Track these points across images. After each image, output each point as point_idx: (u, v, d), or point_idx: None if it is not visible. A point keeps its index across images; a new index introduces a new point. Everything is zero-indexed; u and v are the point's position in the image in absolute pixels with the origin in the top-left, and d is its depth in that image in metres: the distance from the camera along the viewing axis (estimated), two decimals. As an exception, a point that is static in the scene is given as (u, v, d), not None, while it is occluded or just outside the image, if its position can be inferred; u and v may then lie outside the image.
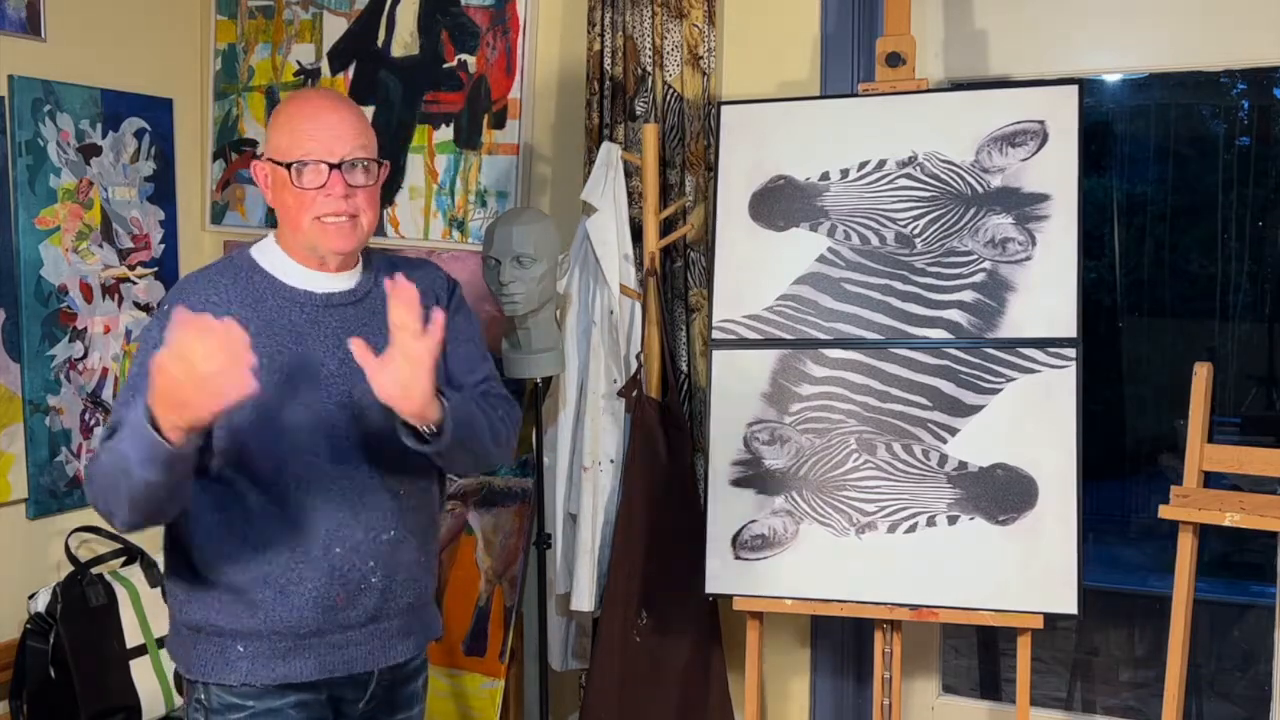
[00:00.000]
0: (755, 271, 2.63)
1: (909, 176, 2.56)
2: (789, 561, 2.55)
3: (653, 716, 2.73)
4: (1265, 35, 2.58)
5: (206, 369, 1.55)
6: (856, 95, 2.66)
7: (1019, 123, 2.51)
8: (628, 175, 2.83)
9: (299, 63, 3.37)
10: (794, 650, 2.96)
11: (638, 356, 2.82)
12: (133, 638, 2.85)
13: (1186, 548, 2.42)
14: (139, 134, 3.21)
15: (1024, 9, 2.75)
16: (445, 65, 3.19)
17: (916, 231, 2.55)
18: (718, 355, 2.65)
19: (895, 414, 2.53)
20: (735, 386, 2.62)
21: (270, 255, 1.95)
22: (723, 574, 2.60)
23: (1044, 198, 2.48)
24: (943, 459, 2.49)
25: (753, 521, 2.59)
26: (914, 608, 2.48)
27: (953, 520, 2.47)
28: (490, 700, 3.00)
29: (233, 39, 3.43)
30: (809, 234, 2.61)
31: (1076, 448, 2.42)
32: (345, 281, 1.96)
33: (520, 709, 3.13)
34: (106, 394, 3.09)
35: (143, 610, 2.88)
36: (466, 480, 3.10)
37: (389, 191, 3.22)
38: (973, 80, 2.80)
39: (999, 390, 2.48)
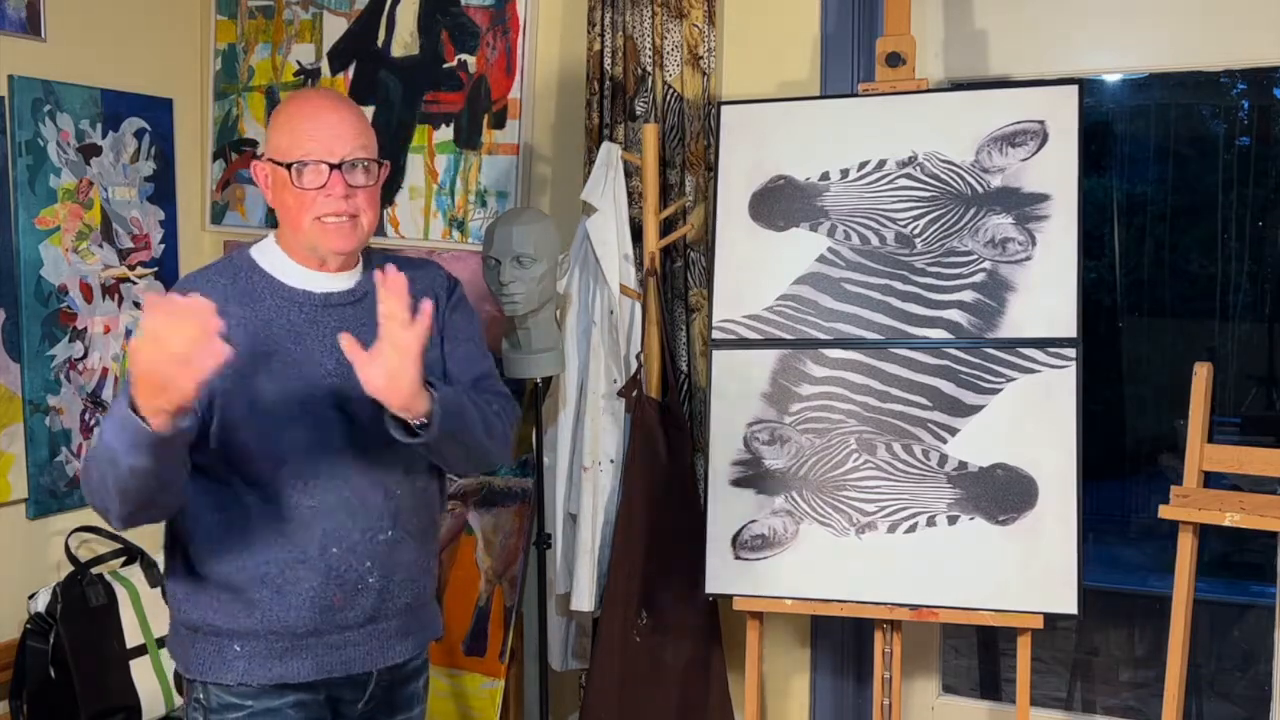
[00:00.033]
0: (755, 271, 2.63)
1: (909, 176, 2.56)
2: (789, 561, 2.55)
3: (653, 716, 2.73)
4: (1265, 35, 2.58)
5: (181, 349, 1.54)
6: (856, 95, 2.66)
7: (1019, 123, 2.51)
8: (628, 175, 2.83)
9: (299, 63, 3.37)
10: (794, 650, 2.96)
11: (638, 356, 2.82)
12: (133, 638, 2.85)
13: (1186, 548, 2.42)
14: (139, 134, 3.21)
15: (1024, 9, 2.75)
16: (445, 65, 3.19)
17: (916, 231, 2.55)
18: (718, 355, 2.65)
19: (895, 414, 2.53)
20: (735, 386, 2.62)
21: (270, 255, 1.95)
22: (723, 574, 2.60)
23: (1044, 198, 2.48)
24: (943, 459, 2.49)
25: (753, 521, 2.59)
26: (914, 608, 2.48)
27: (953, 520, 2.47)
28: (490, 700, 3.00)
29: (233, 39, 3.43)
30: (809, 234, 2.61)
31: (1076, 448, 2.42)
32: (344, 281, 1.96)
33: (520, 709, 3.13)
34: (106, 394, 3.09)
35: (143, 610, 2.88)
36: (466, 480, 3.10)
37: (389, 191, 3.22)
38: (973, 80, 2.80)
39: (999, 390, 2.48)
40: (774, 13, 2.89)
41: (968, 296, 2.51)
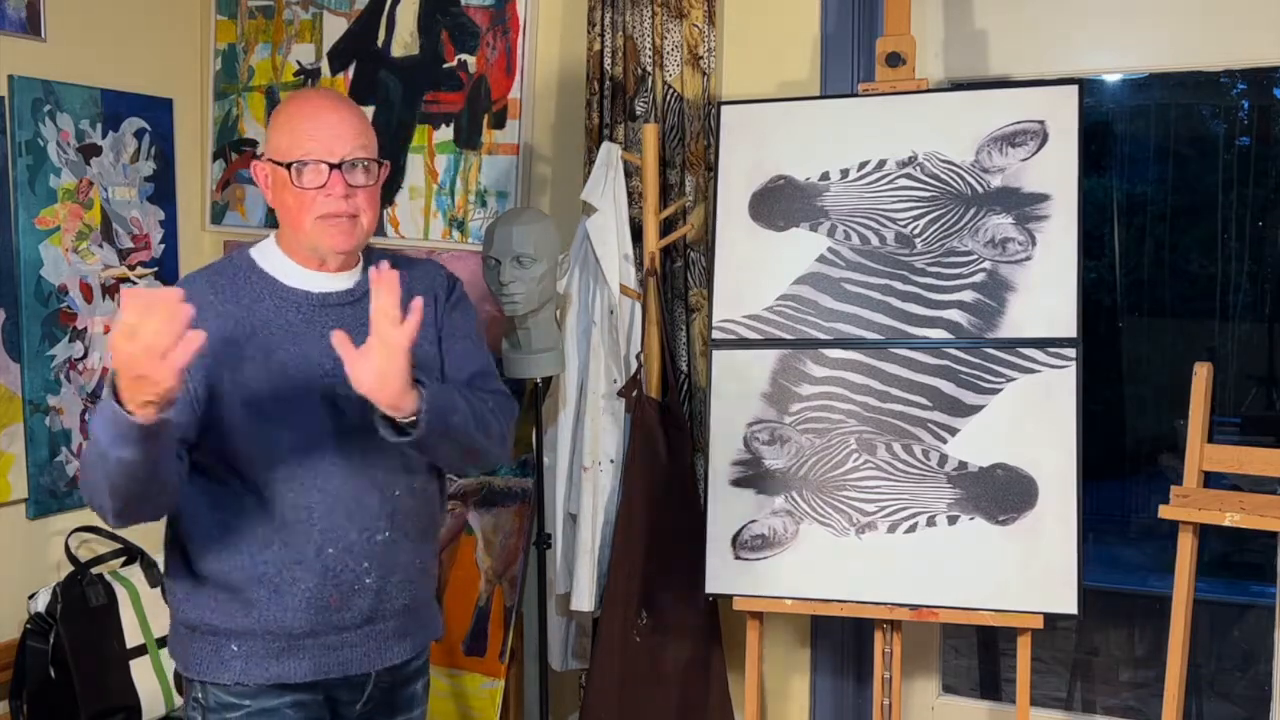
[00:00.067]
0: (755, 271, 2.63)
1: (909, 176, 2.56)
2: (789, 561, 2.55)
3: (653, 716, 2.73)
4: (1265, 35, 2.58)
5: (152, 340, 1.53)
6: (856, 95, 2.66)
7: (1019, 123, 2.51)
8: (628, 175, 2.83)
9: (299, 63, 3.37)
10: (794, 650, 2.96)
11: (638, 356, 2.82)
12: (133, 638, 2.85)
13: (1186, 548, 2.42)
14: (139, 134, 3.21)
15: (1024, 9, 2.75)
16: (445, 65, 3.19)
17: (916, 231, 2.55)
18: (718, 355, 2.65)
19: (895, 414, 2.53)
20: (735, 386, 2.62)
21: (269, 256, 1.95)
22: (723, 574, 2.60)
23: (1044, 198, 2.48)
24: (943, 459, 2.49)
25: (753, 521, 2.59)
26: (914, 608, 2.48)
27: (953, 520, 2.47)
28: (490, 700, 3.00)
29: (233, 39, 3.43)
30: (809, 234, 2.61)
31: (1076, 448, 2.42)
32: (344, 281, 1.96)
33: (520, 709, 3.13)
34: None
35: (143, 610, 2.88)
36: (466, 480, 3.10)
37: (389, 191, 3.22)
38: (973, 80, 2.80)
39: (999, 390, 2.48)
40: (774, 13, 2.89)
41: (968, 296, 2.51)
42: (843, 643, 2.90)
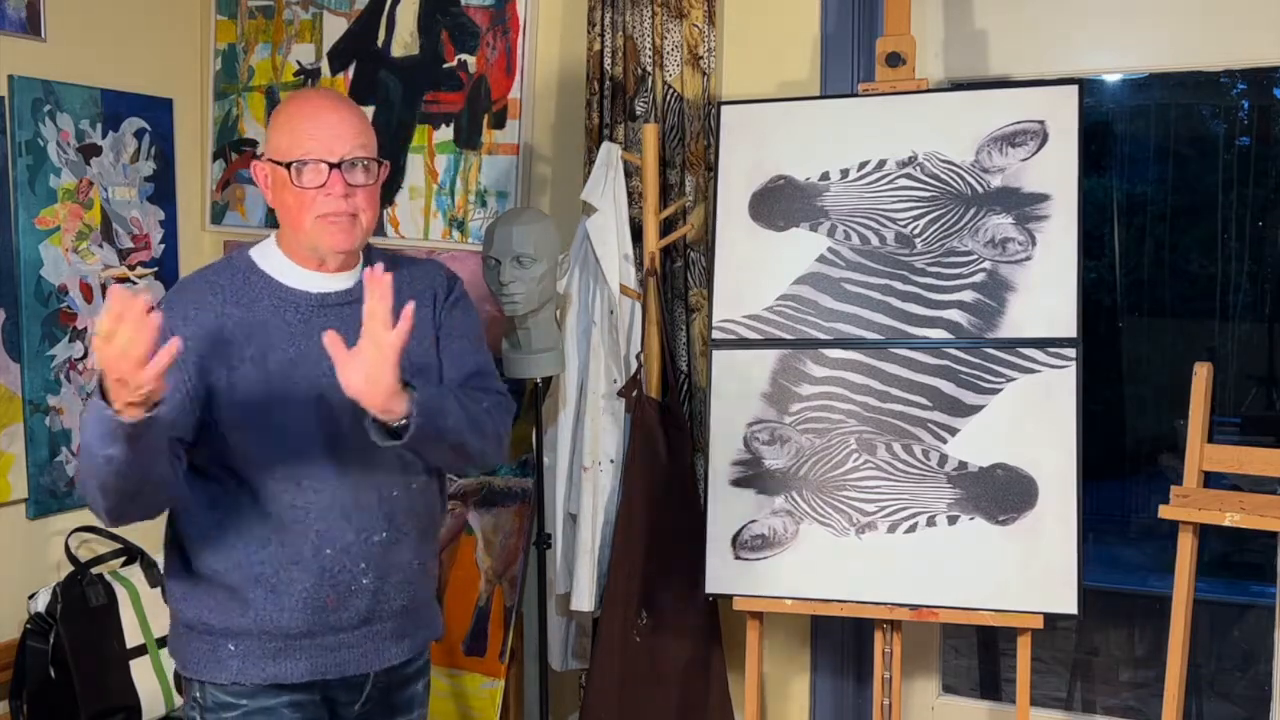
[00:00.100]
0: (755, 271, 2.63)
1: (909, 176, 2.56)
2: (789, 561, 2.55)
3: (653, 716, 2.73)
4: (1265, 35, 2.58)
5: (127, 346, 1.53)
6: (856, 95, 2.66)
7: (1019, 123, 2.51)
8: (628, 175, 2.83)
9: (299, 63, 3.37)
10: (794, 650, 2.96)
11: (638, 356, 2.82)
12: (133, 638, 2.85)
13: (1186, 548, 2.42)
14: (139, 134, 3.21)
15: (1024, 9, 2.75)
16: (445, 65, 3.19)
17: (916, 231, 2.55)
18: (718, 355, 2.65)
19: (895, 414, 2.53)
20: (735, 386, 2.62)
21: (269, 256, 1.95)
22: (723, 574, 2.60)
23: (1044, 198, 2.48)
24: (943, 459, 2.49)
25: (753, 521, 2.59)
26: (914, 608, 2.48)
27: (953, 520, 2.47)
28: (490, 700, 3.00)
29: (233, 39, 3.43)
30: (809, 234, 2.61)
31: (1076, 448, 2.42)
32: (343, 281, 1.96)
33: (520, 709, 3.13)
34: (106, 394, 3.09)
35: (143, 610, 2.88)
36: (466, 480, 3.10)
37: (389, 191, 3.22)
38: (973, 80, 2.80)
39: (999, 390, 2.48)
40: (774, 13, 2.89)
41: (968, 296, 2.51)
42: (843, 643, 2.90)
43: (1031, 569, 2.42)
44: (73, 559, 2.86)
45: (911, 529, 2.49)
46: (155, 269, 3.26)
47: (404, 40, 3.24)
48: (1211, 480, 2.48)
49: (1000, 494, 2.45)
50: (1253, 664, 3.11)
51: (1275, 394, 3.24)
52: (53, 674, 2.73)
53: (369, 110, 3.23)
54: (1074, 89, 2.50)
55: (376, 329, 1.68)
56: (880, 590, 2.50)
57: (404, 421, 1.74)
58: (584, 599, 2.77)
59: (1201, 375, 2.44)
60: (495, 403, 2.02)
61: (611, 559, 2.73)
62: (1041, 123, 2.50)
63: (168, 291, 1.98)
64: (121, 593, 2.86)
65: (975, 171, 2.52)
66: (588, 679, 2.79)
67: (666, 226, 2.83)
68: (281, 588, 1.88)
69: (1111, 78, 3.15)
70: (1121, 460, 3.35)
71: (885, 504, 2.51)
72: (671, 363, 2.84)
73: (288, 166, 1.85)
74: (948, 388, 2.51)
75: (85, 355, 3.05)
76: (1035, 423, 2.45)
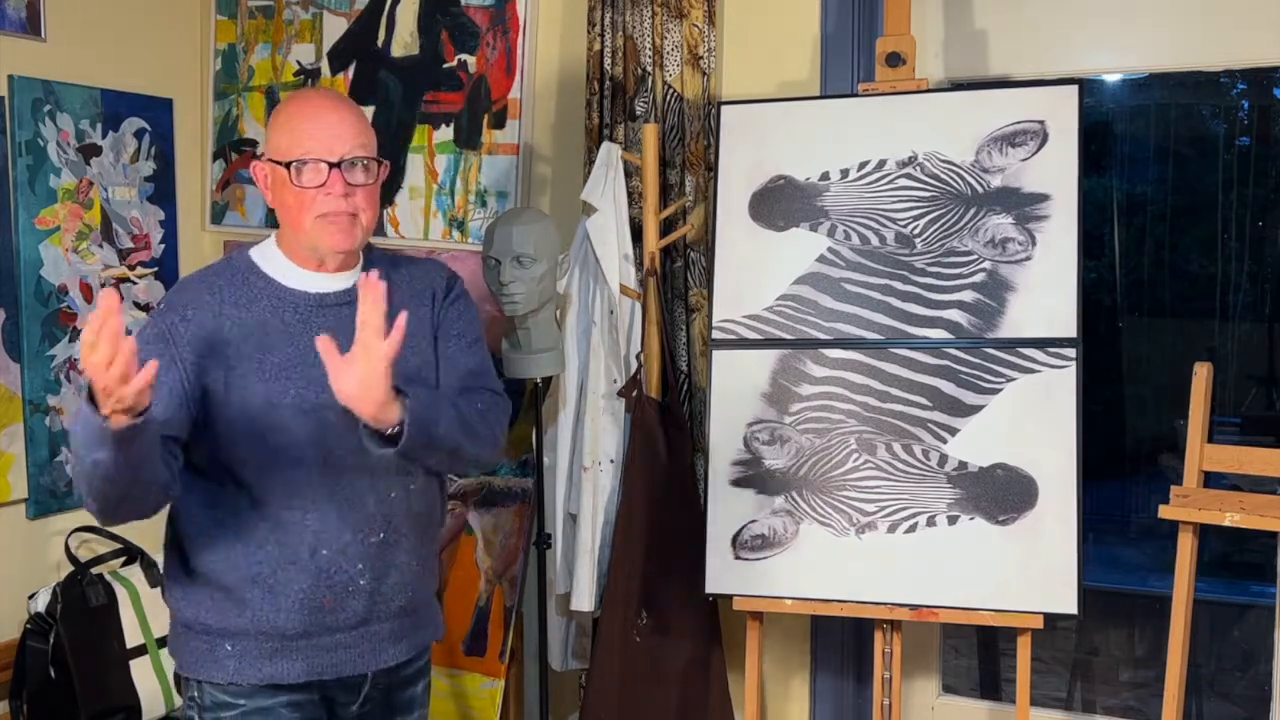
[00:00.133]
0: (755, 271, 2.63)
1: (909, 176, 2.56)
2: (789, 561, 2.55)
3: (653, 716, 2.73)
4: (1265, 35, 2.58)
5: (105, 362, 1.53)
6: (856, 95, 2.66)
7: (1019, 123, 2.51)
8: (628, 175, 2.83)
9: (299, 63, 3.37)
10: (794, 650, 2.96)
11: (638, 356, 2.82)
12: (133, 638, 2.85)
13: (1186, 548, 2.42)
14: (139, 134, 3.21)
15: (1024, 9, 2.75)
16: (445, 65, 3.19)
17: (916, 231, 2.55)
18: (718, 355, 2.65)
19: (895, 414, 2.53)
20: (735, 386, 2.62)
21: (269, 257, 1.95)
22: (723, 574, 2.60)
23: (1044, 198, 2.48)
24: (943, 459, 2.49)
25: (753, 521, 2.59)
26: (914, 608, 2.48)
27: (953, 520, 2.47)
28: (490, 700, 3.00)
29: (233, 39, 3.43)
30: (809, 234, 2.61)
31: (1076, 448, 2.42)
32: (342, 281, 1.96)
33: (520, 709, 3.13)
34: (106, 394, 3.09)
35: (143, 610, 2.88)
36: (466, 480, 3.10)
37: (389, 191, 3.22)
38: (973, 80, 2.80)
39: (999, 390, 2.48)
40: (774, 13, 2.89)
41: (968, 296, 2.51)
42: (843, 643, 2.90)
43: (1031, 569, 2.42)
44: (73, 559, 2.86)
45: (911, 529, 2.49)
46: (155, 269, 3.26)
47: (404, 40, 3.24)
48: (1211, 480, 2.48)
49: (1000, 494, 2.45)
50: (1253, 664, 3.11)
51: (1275, 394, 3.24)
52: (53, 674, 2.73)
53: (369, 110, 3.23)
54: (1074, 89, 2.50)
55: (369, 338, 1.67)
56: (880, 590, 2.50)
57: (397, 429, 1.73)
58: (584, 599, 2.77)
59: (1201, 375, 2.44)
60: (491, 404, 2.01)
61: (611, 559, 2.73)
62: (1041, 123, 2.50)
63: (168, 291, 1.99)
64: (121, 593, 2.86)
65: (975, 171, 2.52)
66: (588, 679, 2.79)
67: (666, 226, 2.83)
68: (278, 588, 1.88)
69: (1111, 78, 3.15)
70: (1121, 460, 3.35)
71: (885, 504, 2.51)
72: (671, 363, 2.84)
73: (287, 166, 1.85)
74: (948, 388, 2.51)
75: (85, 355, 3.05)
76: (1035, 423, 2.45)
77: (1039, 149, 2.49)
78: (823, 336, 2.58)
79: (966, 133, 2.53)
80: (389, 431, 1.73)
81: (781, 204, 2.63)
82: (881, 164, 2.58)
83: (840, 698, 2.92)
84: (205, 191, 3.47)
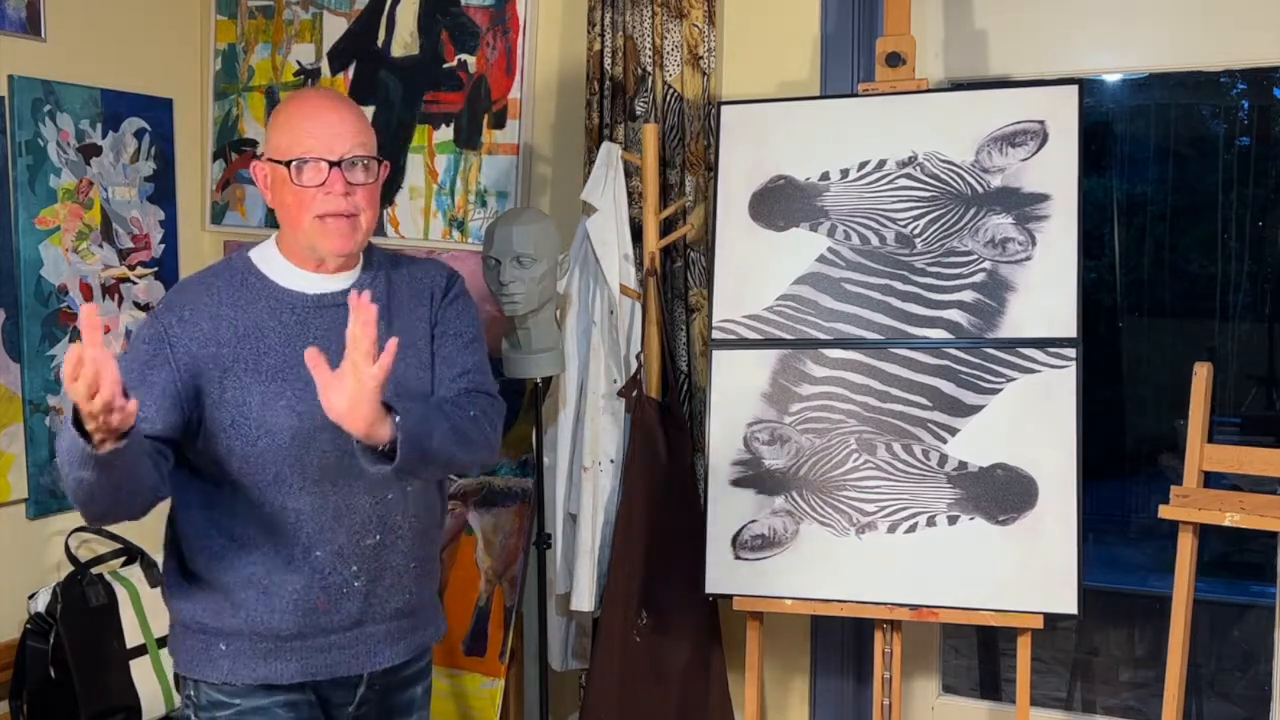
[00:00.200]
0: (755, 271, 2.63)
1: (909, 176, 2.56)
2: (789, 561, 2.55)
3: (653, 716, 2.73)
4: (1265, 35, 2.58)
5: (98, 402, 1.52)
6: (856, 95, 2.66)
7: (1019, 123, 2.51)
8: (628, 175, 2.83)
9: (299, 63, 3.37)
10: (794, 650, 2.96)
11: (638, 356, 2.82)
12: (133, 638, 2.85)
13: (1186, 548, 2.42)
14: (139, 134, 3.21)
15: (1024, 9, 2.75)
16: (445, 65, 3.19)
17: (916, 231, 2.55)
18: (718, 355, 2.65)
19: (895, 414, 2.53)
20: (735, 386, 2.63)
21: (268, 257, 1.95)
22: (722, 574, 2.60)
23: (1044, 198, 2.48)
24: (943, 459, 2.49)
25: (753, 521, 2.59)
26: (914, 608, 2.48)
27: (953, 520, 2.47)
28: (490, 700, 3.00)
29: (233, 39, 3.43)
30: (809, 234, 2.61)
31: (1076, 448, 2.42)
32: (341, 282, 1.95)
33: (520, 709, 3.13)
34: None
35: (143, 610, 2.88)
36: (466, 480, 3.10)
37: (389, 191, 3.22)
38: (973, 80, 2.80)
39: (999, 390, 2.48)
40: (774, 13, 2.89)
41: (968, 296, 2.51)
42: (843, 643, 2.90)
43: (1031, 569, 2.42)
44: (73, 559, 2.86)
45: (911, 529, 2.49)
46: (155, 269, 3.26)
47: (404, 40, 3.24)
48: (1211, 480, 2.48)
49: (1000, 494, 2.45)
50: (1253, 664, 3.11)
51: (1275, 394, 3.24)
52: (53, 674, 2.73)
53: (369, 110, 3.23)
54: (1074, 89, 2.50)
55: (359, 359, 1.64)
56: (880, 590, 2.50)
57: (389, 447, 1.70)
58: (584, 599, 2.77)
59: (1201, 375, 2.44)
60: (485, 408, 1.98)
61: (611, 559, 2.73)
62: (1041, 123, 2.50)
63: (166, 292, 1.98)
64: (121, 593, 2.86)
65: (975, 171, 2.52)
66: (588, 679, 2.79)
67: (666, 226, 2.83)
68: (272, 589, 1.88)
69: (1111, 78, 3.15)
70: (1121, 460, 3.35)
71: (885, 504, 2.51)
72: (671, 363, 2.84)
73: (287, 165, 1.85)
74: (948, 388, 2.51)
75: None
76: (1035, 423, 2.45)
77: (1039, 149, 2.49)
78: (823, 336, 2.58)
79: (966, 133, 2.53)
80: (382, 448, 1.71)
81: (781, 204, 2.63)
82: (881, 164, 2.58)
83: (840, 698, 2.92)
84: (205, 191, 3.47)
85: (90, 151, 3.06)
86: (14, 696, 2.75)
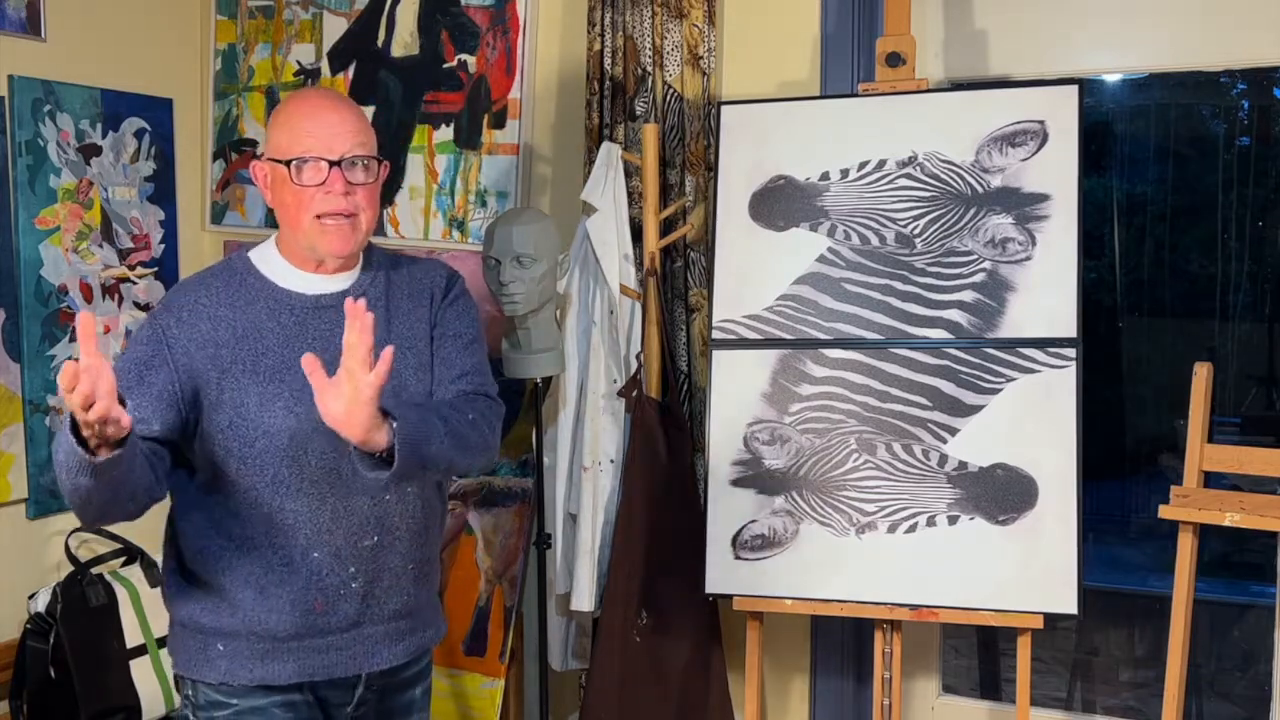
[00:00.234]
0: (755, 271, 2.63)
1: (909, 176, 2.56)
2: (789, 561, 2.55)
3: (653, 716, 2.73)
4: (1265, 35, 2.58)
5: (94, 414, 1.52)
6: (856, 95, 2.66)
7: (1019, 123, 2.51)
8: (628, 175, 2.83)
9: (299, 63, 3.37)
10: (794, 650, 2.96)
11: (638, 356, 2.82)
12: (133, 638, 2.85)
13: (1186, 548, 2.42)
14: (139, 134, 3.21)
15: (1024, 9, 2.75)
16: (445, 65, 3.19)
17: (916, 231, 2.55)
18: (718, 355, 2.65)
19: (895, 414, 2.53)
20: (735, 386, 2.63)
21: (267, 258, 1.95)
22: (722, 574, 2.60)
23: (1044, 198, 2.48)
24: (943, 459, 2.49)
25: (753, 521, 2.59)
26: (914, 608, 2.48)
27: (953, 520, 2.47)
28: (490, 700, 3.00)
29: (233, 39, 3.43)
30: (809, 234, 2.61)
31: (1076, 448, 2.42)
32: (340, 282, 1.95)
33: (520, 709, 3.13)
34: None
35: (143, 610, 2.88)
36: (466, 480, 3.10)
37: (389, 191, 3.22)
38: (973, 80, 2.80)
39: (999, 390, 2.48)
40: (774, 13, 2.89)
41: (968, 296, 2.51)
42: (843, 643, 2.90)
43: (1031, 569, 2.42)
44: (73, 559, 2.86)
45: (911, 529, 2.49)
46: (155, 269, 3.26)
47: (404, 40, 3.24)
48: (1211, 480, 2.48)
49: (1000, 494, 2.45)
50: (1253, 664, 3.11)
51: (1275, 394, 3.23)
52: (53, 674, 2.73)
53: (369, 110, 3.23)
54: (1074, 89, 2.50)
55: (355, 367, 1.63)
56: (880, 590, 2.50)
57: (387, 453, 1.70)
58: (584, 599, 2.77)
59: (1201, 375, 2.44)
60: (484, 410, 1.97)
61: (611, 559, 2.73)
62: (1041, 123, 2.50)
63: (166, 293, 1.98)
64: (121, 593, 2.86)
65: (975, 171, 2.52)
66: (588, 679, 2.79)
67: (666, 226, 2.83)
68: (270, 590, 1.88)
69: (1111, 78, 3.15)
70: (1121, 460, 3.35)
71: (885, 504, 2.51)
72: (671, 363, 2.84)
73: (287, 164, 1.85)
74: (948, 388, 2.51)
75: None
76: (1035, 423, 2.45)
77: (1039, 149, 2.49)
78: (823, 336, 2.58)
79: (966, 133, 2.53)
80: (380, 454, 1.71)
81: (781, 204, 2.63)
82: (881, 164, 2.58)
83: (840, 698, 2.92)
84: (205, 191, 3.47)
85: (90, 151, 3.06)
86: (14, 696, 2.75)
